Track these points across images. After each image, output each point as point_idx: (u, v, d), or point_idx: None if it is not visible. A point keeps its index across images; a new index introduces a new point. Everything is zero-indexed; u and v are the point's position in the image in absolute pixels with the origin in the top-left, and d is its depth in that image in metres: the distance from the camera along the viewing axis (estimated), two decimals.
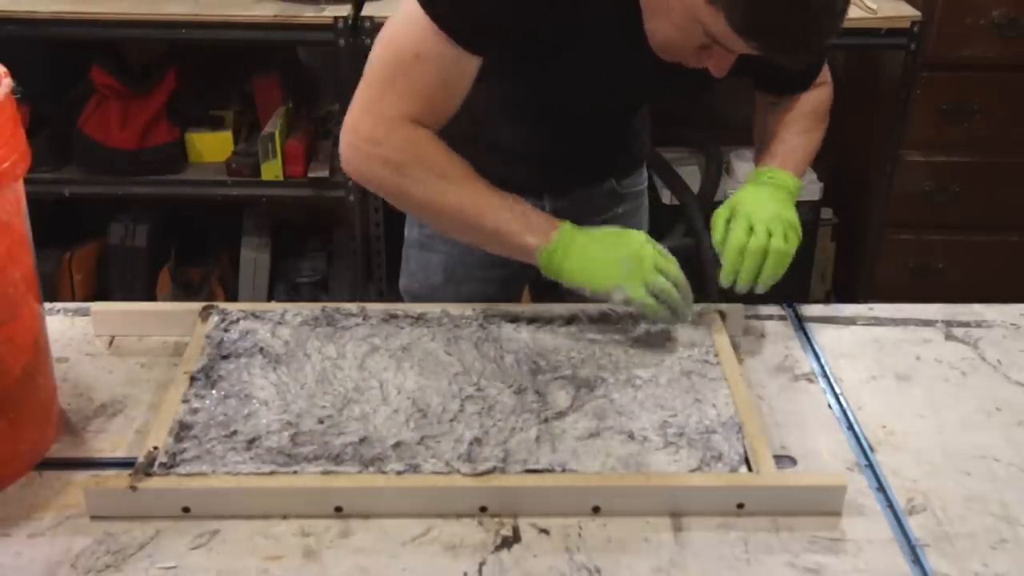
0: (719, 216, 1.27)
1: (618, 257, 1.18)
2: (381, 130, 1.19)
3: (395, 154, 1.19)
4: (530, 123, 1.37)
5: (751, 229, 1.23)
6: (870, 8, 2.36)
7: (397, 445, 1.06)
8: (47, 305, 1.21)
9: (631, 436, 1.08)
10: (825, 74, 1.40)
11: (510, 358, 1.19)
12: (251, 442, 1.06)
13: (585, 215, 1.47)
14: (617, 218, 1.53)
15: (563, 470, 1.04)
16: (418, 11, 1.14)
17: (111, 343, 1.27)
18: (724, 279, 1.23)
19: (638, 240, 1.20)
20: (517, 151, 1.39)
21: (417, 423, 1.09)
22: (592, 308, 1.29)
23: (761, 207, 1.25)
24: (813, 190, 2.63)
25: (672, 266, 1.19)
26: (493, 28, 1.15)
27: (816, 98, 1.39)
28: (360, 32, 2.30)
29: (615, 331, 1.25)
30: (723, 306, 1.30)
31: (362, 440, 1.06)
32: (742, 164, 2.60)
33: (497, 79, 1.27)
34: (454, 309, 1.28)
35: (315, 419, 1.09)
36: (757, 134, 1.43)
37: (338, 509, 1.01)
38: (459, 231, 1.25)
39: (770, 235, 1.22)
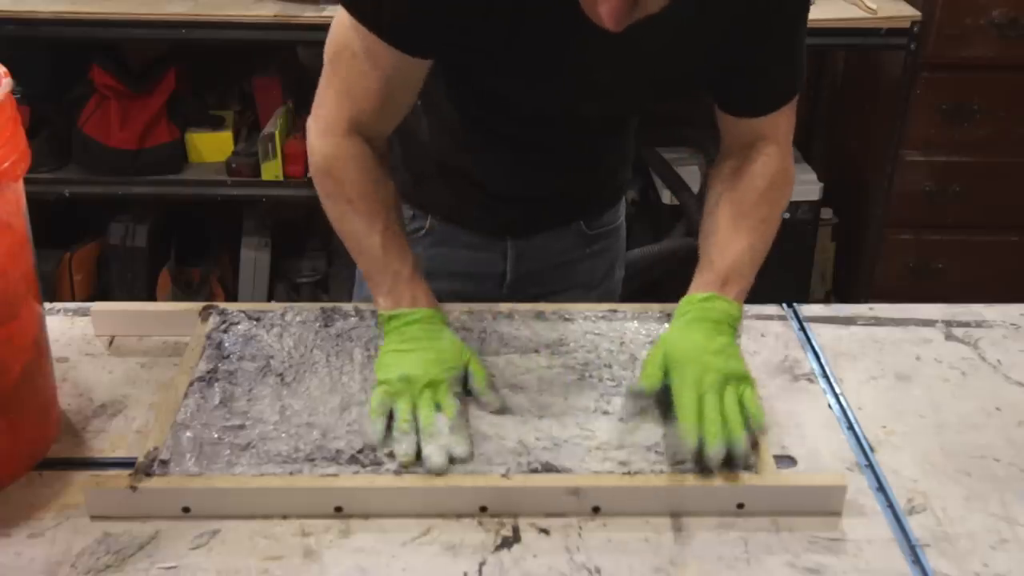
0: (652, 363, 1.10)
1: (415, 362, 1.09)
2: (316, 136, 1.16)
3: (320, 161, 1.16)
4: (492, 148, 1.30)
5: (700, 402, 1.05)
6: (870, 8, 2.36)
7: None
8: (47, 305, 1.21)
9: (632, 436, 1.08)
10: (789, 127, 1.24)
11: (512, 357, 1.19)
12: (251, 442, 1.06)
13: (548, 257, 1.43)
14: (585, 258, 1.45)
15: (563, 470, 1.04)
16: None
17: (111, 343, 1.27)
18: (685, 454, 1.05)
19: (451, 363, 1.10)
20: (480, 185, 1.34)
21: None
22: (596, 305, 1.29)
23: (704, 364, 1.08)
24: (813, 190, 2.64)
25: (441, 422, 1.05)
26: (421, 23, 1.08)
27: (777, 169, 1.22)
28: None
29: (616, 331, 1.25)
30: None
31: (362, 438, 1.06)
32: None
33: (455, 93, 1.25)
34: (458, 309, 1.28)
35: (317, 418, 1.09)
36: (706, 223, 1.24)
37: (338, 509, 1.01)
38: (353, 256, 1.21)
39: (722, 403, 1.05)
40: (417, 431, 1.05)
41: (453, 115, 1.29)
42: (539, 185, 1.36)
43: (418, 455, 1.04)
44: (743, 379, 1.08)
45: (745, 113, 1.22)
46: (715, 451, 1.01)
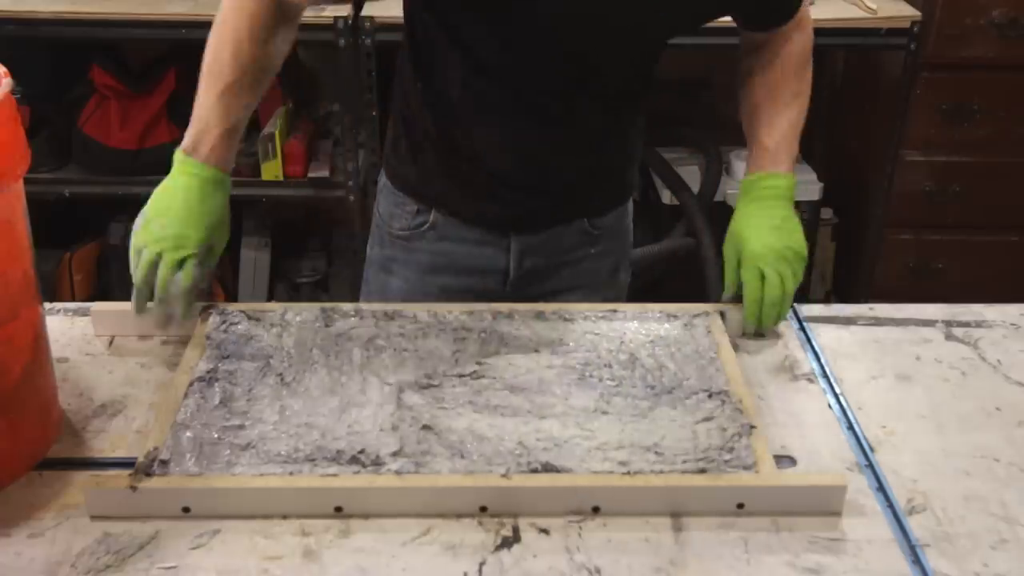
0: (729, 262, 1.32)
1: (176, 219, 1.20)
2: None
3: (221, 9, 1.23)
4: (488, 120, 1.32)
5: (762, 275, 1.27)
6: (870, 8, 2.36)
7: (397, 446, 1.06)
8: (47, 305, 1.21)
9: (632, 436, 1.08)
10: (806, 11, 1.36)
11: (512, 357, 1.19)
12: (251, 442, 1.06)
13: (552, 254, 1.44)
14: (588, 258, 1.46)
15: (563, 470, 1.04)
16: None
17: (111, 343, 1.27)
18: (747, 327, 1.30)
19: (191, 240, 1.21)
20: (480, 165, 1.35)
21: (418, 422, 1.09)
22: (596, 305, 1.29)
23: (764, 243, 1.28)
24: (813, 190, 2.64)
25: (175, 286, 1.19)
26: None
27: (801, 48, 1.37)
28: (360, 32, 2.31)
29: (616, 331, 1.25)
30: (723, 306, 1.30)
31: (362, 439, 1.06)
32: (742, 164, 2.58)
33: (442, 52, 1.28)
34: (458, 309, 1.28)
35: (316, 418, 1.09)
36: (745, 107, 1.39)
37: (338, 509, 1.01)
38: None
39: (781, 278, 1.26)
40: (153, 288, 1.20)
41: (446, 82, 1.31)
42: (539, 167, 1.36)
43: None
44: (798, 256, 1.28)
45: (762, 29, 1.35)
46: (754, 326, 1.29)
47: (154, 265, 1.20)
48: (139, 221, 1.22)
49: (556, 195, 1.40)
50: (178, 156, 1.22)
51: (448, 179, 1.38)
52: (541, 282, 1.45)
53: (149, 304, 1.22)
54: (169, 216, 1.20)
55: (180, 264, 1.19)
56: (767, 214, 1.30)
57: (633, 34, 1.25)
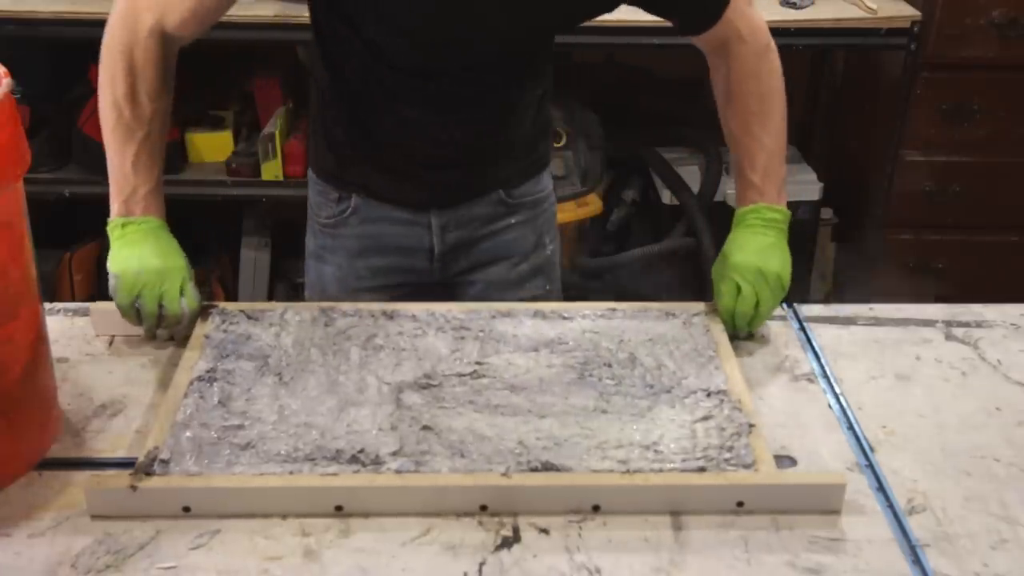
0: (715, 283, 1.31)
1: (149, 253, 1.24)
2: (120, 16, 1.24)
3: (118, 43, 1.24)
4: (389, 103, 1.34)
5: (739, 288, 1.27)
6: (870, 8, 2.36)
7: (397, 445, 1.06)
8: (47, 305, 1.21)
9: (631, 435, 1.08)
10: (752, 20, 1.30)
11: (511, 356, 1.19)
12: (251, 442, 1.06)
13: (472, 227, 1.47)
14: (510, 228, 1.49)
15: (563, 469, 1.04)
16: None
17: (111, 343, 1.27)
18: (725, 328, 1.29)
19: (178, 267, 1.26)
20: (398, 149, 1.39)
21: (418, 422, 1.09)
22: (596, 304, 1.29)
23: (748, 260, 1.28)
24: (813, 190, 2.63)
25: (184, 313, 1.24)
26: None
27: (751, 62, 1.30)
28: None
29: (615, 329, 1.25)
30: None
31: (361, 439, 1.06)
32: None
33: (335, 45, 1.31)
34: (457, 308, 1.28)
35: (315, 418, 1.09)
36: (725, 133, 1.35)
37: (338, 509, 1.01)
38: None
39: (756, 295, 1.26)
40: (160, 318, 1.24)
41: (351, 71, 1.34)
42: (448, 145, 1.38)
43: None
44: (777, 278, 1.27)
45: (692, 32, 1.31)
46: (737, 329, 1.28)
47: (159, 303, 1.24)
48: (112, 283, 1.23)
49: (468, 170, 1.43)
50: (116, 223, 1.25)
51: (363, 164, 1.42)
52: (467, 256, 1.49)
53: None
54: (141, 260, 1.23)
55: (179, 292, 1.24)
56: (756, 239, 1.29)
57: (501, 41, 1.29)
